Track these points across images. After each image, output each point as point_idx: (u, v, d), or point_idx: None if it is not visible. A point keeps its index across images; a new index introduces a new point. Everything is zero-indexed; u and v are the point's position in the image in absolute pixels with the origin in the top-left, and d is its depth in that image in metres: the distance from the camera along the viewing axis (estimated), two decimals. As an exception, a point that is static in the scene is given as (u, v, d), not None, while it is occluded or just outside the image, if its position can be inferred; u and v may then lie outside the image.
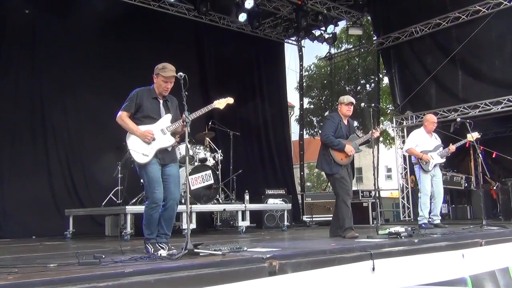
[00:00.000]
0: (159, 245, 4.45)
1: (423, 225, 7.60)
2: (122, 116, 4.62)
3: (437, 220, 7.87)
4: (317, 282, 3.25)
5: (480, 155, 8.27)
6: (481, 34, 10.81)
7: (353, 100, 6.52)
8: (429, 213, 7.90)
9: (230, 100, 4.90)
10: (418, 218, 7.97)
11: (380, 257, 3.76)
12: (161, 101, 4.73)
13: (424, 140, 8.01)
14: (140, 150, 4.55)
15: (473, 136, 7.82)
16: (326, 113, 18.01)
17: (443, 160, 8.03)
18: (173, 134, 4.73)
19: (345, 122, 6.46)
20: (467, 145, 9.85)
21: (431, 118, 8.17)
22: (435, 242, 4.79)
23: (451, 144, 8.04)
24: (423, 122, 8.30)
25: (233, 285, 2.81)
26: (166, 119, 4.68)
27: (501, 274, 4.83)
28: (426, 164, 7.81)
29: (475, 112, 11.14)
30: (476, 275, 4.51)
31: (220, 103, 4.84)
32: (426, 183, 7.85)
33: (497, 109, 10.88)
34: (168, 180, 4.63)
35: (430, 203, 7.91)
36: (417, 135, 8.16)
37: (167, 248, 4.33)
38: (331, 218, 10.96)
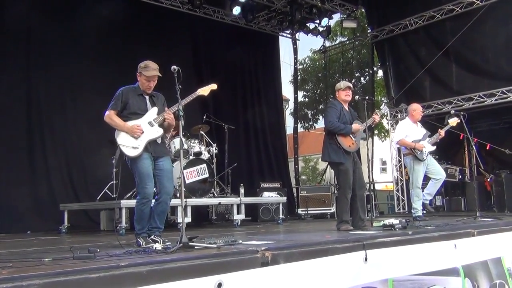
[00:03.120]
0: (153, 238, 4.47)
1: (417, 217, 7.62)
2: (110, 115, 4.68)
3: (427, 200, 7.87)
4: (309, 272, 3.28)
5: (474, 147, 8.28)
6: (475, 26, 10.82)
7: (350, 84, 6.42)
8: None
9: (213, 86, 4.94)
10: (412, 211, 7.92)
11: (373, 247, 3.78)
12: (147, 97, 4.80)
13: (413, 130, 7.92)
14: (130, 144, 4.60)
15: (452, 122, 7.88)
16: (321, 106, 18.05)
17: (434, 147, 7.98)
18: (162, 126, 4.76)
19: (346, 108, 6.37)
20: (461, 137, 9.91)
21: (417, 108, 8.08)
22: (428, 233, 4.82)
23: (439, 130, 7.98)
24: (409, 112, 8.17)
25: (225, 275, 2.83)
26: (152, 112, 4.75)
27: (494, 264, 4.87)
28: (421, 153, 7.71)
29: (469, 105, 11.17)
30: (468, 265, 4.55)
31: (204, 90, 4.87)
32: (419, 175, 7.76)
33: (491, 101, 10.92)
34: (161, 175, 4.67)
35: (431, 185, 7.90)
36: (405, 125, 8.04)
37: (161, 240, 4.34)
38: (325, 211, 11.23)
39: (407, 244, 4.12)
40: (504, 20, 10.70)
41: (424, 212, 7.98)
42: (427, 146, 7.84)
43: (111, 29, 10.17)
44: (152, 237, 4.50)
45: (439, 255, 4.31)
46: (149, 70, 4.63)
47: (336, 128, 6.09)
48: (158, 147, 4.75)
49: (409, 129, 7.96)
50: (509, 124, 12.09)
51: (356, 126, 6.11)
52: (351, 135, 6.20)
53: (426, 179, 8.07)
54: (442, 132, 7.95)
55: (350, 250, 3.63)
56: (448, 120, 7.96)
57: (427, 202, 7.82)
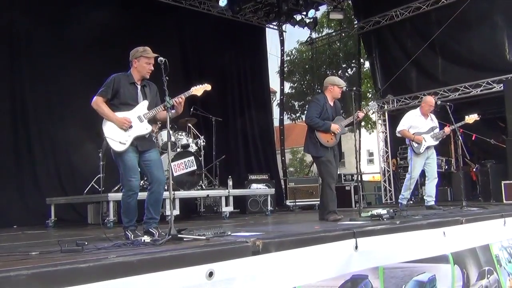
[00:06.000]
0: (150, 230, 4.42)
1: (400, 204, 7.65)
2: (98, 101, 4.51)
3: (431, 201, 7.72)
4: (300, 260, 3.28)
5: (460, 137, 8.31)
6: (460, 17, 10.88)
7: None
8: (414, 194, 7.93)
9: (207, 86, 4.82)
10: (400, 197, 7.98)
11: (363, 235, 3.79)
12: (138, 87, 4.65)
13: (418, 122, 7.84)
14: (117, 138, 4.47)
15: (471, 118, 7.87)
16: (308, 98, 18.06)
17: (437, 142, 7.89)
18: (151, 121, 4.67)
19: (331, 104, 6.36)
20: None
21: (429, 101, 7.93)
22: (417, 222, 4.86)
23: (447, 126, 7.86)
24: (421, 103, 8.10)
25: (217, 264, 2.82)
26: (143, 106, 4.61)
27: (482, 251, 4.92)
28: (417, 146, 7.66)
29: (455, 95, 11.27)
30: (457, 252, 4.58)
31: (198, 90, 4.74)
32: (416, 166, 7.74)
33: (476, 92, 11.02)
34: (150, 165, 4.59)
35: (425, 184, 7.90)
36: (410, 116, 7.97)
37: (157, 233, 4.30)
38: (314, 202, 11.26)
39: (398, 232, 4.16)
40: (489, 11, 10.77)
41: (411, 202, 8.01)
42: (428, 140, 7.74)
43: (96, 22, 9.93)
44: (149, 229, 4.44)
45: (429, 243, 4.34)
46: (149, 52, 4.54)
47: (315, 124, 6.18)
48: (144, 141, 4.64)
49: (415, 120, 7.87)
50: (493, 114, 12.20)
51: (334, 126, 6.16)
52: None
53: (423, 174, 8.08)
54: (447, 130, 7.81)
55: (341, 238, 3.64)
56: (466, 117, 7.94)
57: (433, 203, 7.74)
